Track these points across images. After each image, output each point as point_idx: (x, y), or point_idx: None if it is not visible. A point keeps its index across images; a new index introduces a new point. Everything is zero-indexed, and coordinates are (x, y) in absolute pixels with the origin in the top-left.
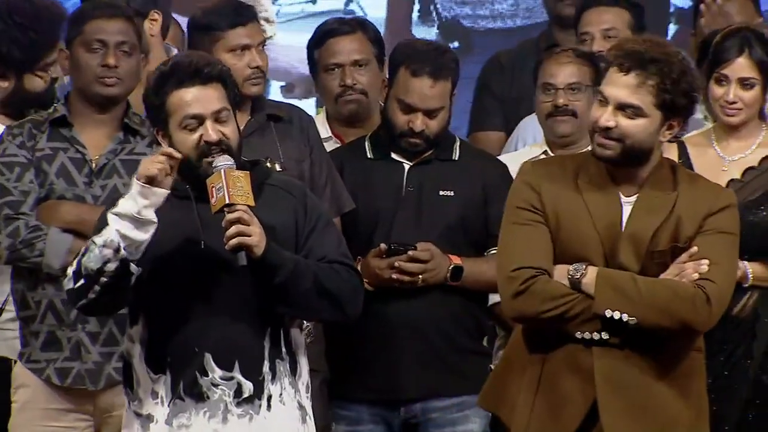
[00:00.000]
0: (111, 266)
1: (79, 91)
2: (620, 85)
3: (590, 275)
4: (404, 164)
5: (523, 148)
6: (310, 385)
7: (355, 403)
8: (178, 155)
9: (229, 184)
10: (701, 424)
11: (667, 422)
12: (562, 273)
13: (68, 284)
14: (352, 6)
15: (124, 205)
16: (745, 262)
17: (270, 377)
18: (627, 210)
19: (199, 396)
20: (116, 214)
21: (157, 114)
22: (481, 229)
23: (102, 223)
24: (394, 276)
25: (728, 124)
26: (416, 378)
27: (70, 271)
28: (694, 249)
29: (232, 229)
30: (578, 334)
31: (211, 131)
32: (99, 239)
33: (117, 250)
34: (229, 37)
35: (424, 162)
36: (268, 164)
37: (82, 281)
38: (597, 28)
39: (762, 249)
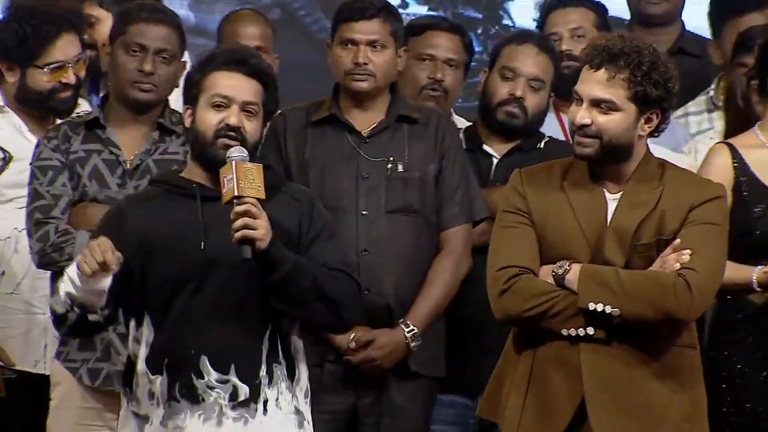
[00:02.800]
0: (72, 315)
1: (115, 92)
2: (592, 82)
3: (574, 271)
4: (493, 157)
5: None
6: (309, 390)
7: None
8: (113, 267)
9: (240, 176)
10: (695, 424)
11: (654, 417)
12: (547, 272)
13: (48, 312)
14: None
15: (71, 269)
16: None
17: (267, 381)
18: (612, 206)
19: (194, 398)
20: (67, 273)
21: (191, 89)
22: None
23: (98, 234)
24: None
25: None
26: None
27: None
28: (677, 241)
29: (239, 222)
30: (564, 331)
31: (234, 116)
32: (62, 287)
33: (72, 305)
34: (341, 29)
35: (509, 153)
36: (390, 164)
37: (52, 317)
38: (565, 28)
39: None
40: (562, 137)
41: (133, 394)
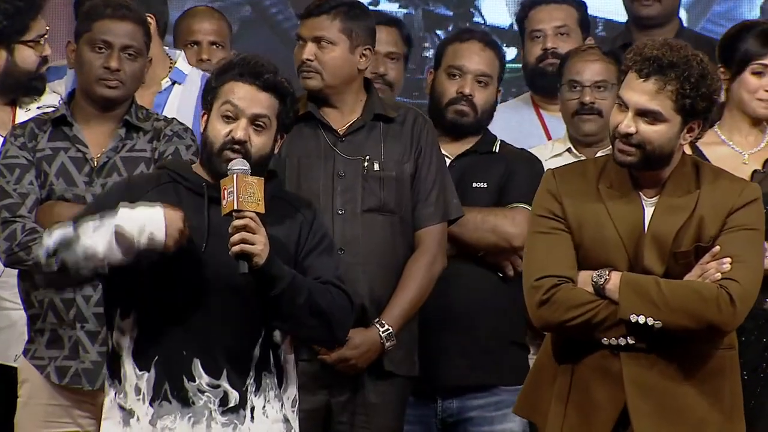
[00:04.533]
0: (85, 271)
1: (81, 89)
2: (640, 92)
3: (614, 281)
4: (446, 159)
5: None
6: (297, 399)
7: None
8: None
9: (240, 190)
10: (735, 422)
11: (697, 423)
12: (585, 279)
13: (39, 252)
14: None
15: (133, 226)
16: None
17: (254, 389)
18: (649, 212)
19: (184, 400)
20: (118, 234)
21: (208, 95)
22: None
23: (95, 206)
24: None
25: (764, 116)
26: (456, 368)
27: (45, 241)
28: (717, 248)
29: (237, 236)
30: (605, 340)
31: (241, 129)
32: (86, 240)
33: (99, 263)
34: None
35: (464, 155)
36: (366, 162)
37: (54, 267)
38: (549, 26)
39: None
40: (543, 135)
41: (121, 386)
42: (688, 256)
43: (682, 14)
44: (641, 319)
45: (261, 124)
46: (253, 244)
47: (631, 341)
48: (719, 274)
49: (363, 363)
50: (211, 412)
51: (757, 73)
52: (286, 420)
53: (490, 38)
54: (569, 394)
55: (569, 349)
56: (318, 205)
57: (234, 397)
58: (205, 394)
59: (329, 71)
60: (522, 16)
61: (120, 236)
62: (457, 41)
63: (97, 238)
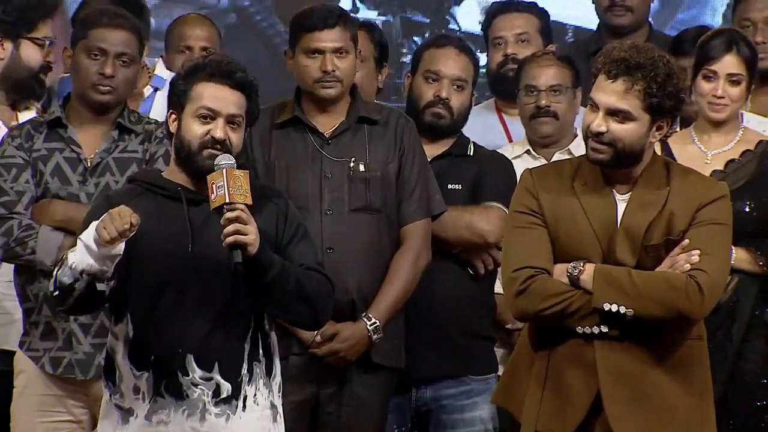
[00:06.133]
0: (80, 284)
1: (77, 94)
2: (609, 92)
3: (588, 272)
4: None
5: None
6: (281, 384)
7: None
8: (134, 220)
9: (230, 183)
10: (704, 411)
11: (667, 409)
12: (561, 271)
13: (50, 287)
14: None
15: (88, 237)
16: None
17: (247, 379)
18: (622, 208)
19: (178, 394)
20: (81, 240)
21: (178, 98)
22: None
23: (87, 224)
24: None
25: (714, 119)
26: (428, 359)
27: (54, 273)
28: (686, 241)
29: (231, 227)
30: (579, 329)
31: (219, 129)
32: (71, 257)
33: (82, 273)
34: (305, 39)
35: (440, 157)
36: (352, 163)
37: (57, 292)
38: (510, 33)
39: (744, 235)
40: (504, 138)
41: (117, 387)
42: (658, 249)
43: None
44: (614, 308)
45: (236, 122)
46: (245, 235)
47: (604, 330)
48: (688, 265)
49: (351, 356)
50: (205, 403)
51: (707, 78)
52: (273, 406)
53: (464, 44)
54: (546, 380)
55: (545, 338)
56: (307, 205)
57: (226, 388)
58: (199, 387)
59: (348, 79)
60: (486, 24)
61: (86, 246)
62: (434, 47)
63: (77, 253)
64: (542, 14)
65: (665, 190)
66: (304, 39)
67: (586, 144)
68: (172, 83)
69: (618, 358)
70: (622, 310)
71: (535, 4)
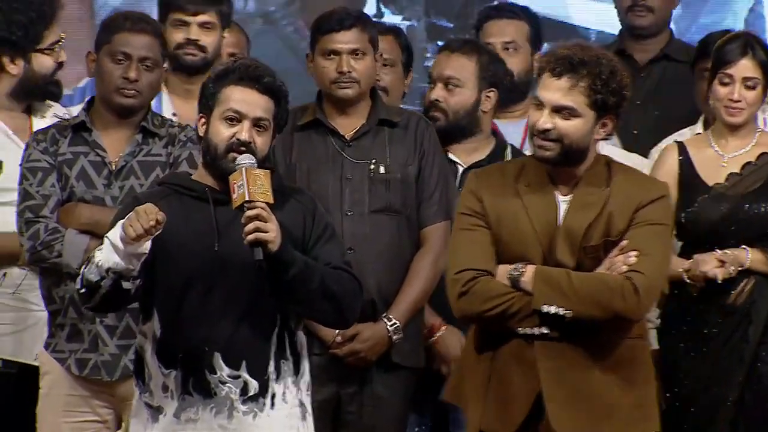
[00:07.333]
0: (107, 282)
1: (101, 97)
2: (554, 89)
3: (528, 273)
4: (459, 165)
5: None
6: (310, 383)
7: None
8: (160, 218)
9: (250, 182)
10: (646, 409)
11: (607, 409)
12: (503, 272)
13: (77, 284)
14: None
15: (113, 233)
16: (746, 248)
17: (275, 377)
18: (563, 208)
19: (206, 392)
20: (108, 239)
21: (207, 100)
22: None
23: (114, 225)
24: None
25: (731, 123)
26: None
27: (81, 271)
28: (624, 242)
29: (251, 225)
30: (520, 330)
31: (245, 131)
32: (98, 255)
33: (109, 271)
34: (322, 41)
35: (477, 165)
36: (372, 165)
37: (84, 290)
38: (498, 40)
39: (760, 237)
40: None
41: (146, 385)
42: (597, 250)
43: (671, 26)
44: (552, 309)
45: (262, 126)
46: (266, 232)
47: (544, 331)
48: (626, 266)
49: (372, 356)
50: (232, 401)
51: (723, 82)
52: (302, 404)
53: (460, 44)
54: (489, 380)
55: (488, 339)
56: (327, 206)
57: (254, 386)
58: (227, 384)
59: (365, 80)
60: (477, 27)
61: (113, 244)
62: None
63: (104, 252)
64: (533, 20)
65: (606, 191)
66: (321, 41)
67: (532, 142)
68: (202, 87)
69: (558, 358)
70: (561, 311)
71: (527, 9)
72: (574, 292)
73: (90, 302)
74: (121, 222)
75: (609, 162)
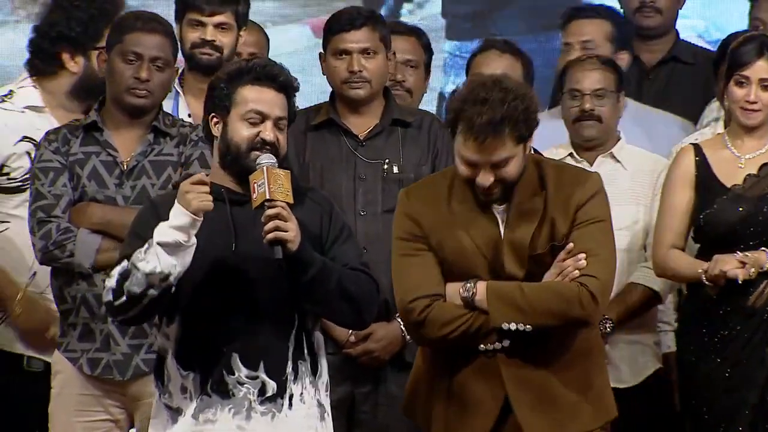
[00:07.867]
0: (154, 291)
1: (112, 97)
2: (485, 152)
3: (481, 291)
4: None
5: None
6: (329, 384)
7: None
8: (207, 180)
9: (270, 181)
10: (605, 399)
11: (571, 408)
12: (453, 292)
13: (106, 297)
14: None
15: (172, 234)
16: (766, 250)
17: (292, 377)
18: (502, 220)
19: (225, 393)
20: (163, 245)
21: (221, 101)
22: None
23: (134, 235)
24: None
25: (747, 124)
26: None
27: (108, 284)
28: (570, 245)
29: (271, 224)
30: (482, 347)
31: (269, 131)
32: (144, 266)
33: (164, 279)
34: (333, 41)
35: None
36: (386, 165)
37: (123, 299)
38: (577, 39)
39: None
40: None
41: (165, 387)
42: (545, 257)
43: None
44: (512, 326)
45: (281, 125)
46: (286, 231)
47: (506, 344)
48: (577, 271)
49: (385, 355)
50: (250, 402)
51: (739, 83)
52: (320, 404)
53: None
54: (449, 394)
55: (444, 356)
56: (341, 206)
57: (272, 386)
58: (245, 385)
59: (377, 80)
60: (562, 28)
61: (165, 246)
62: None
63: (149, 258)
64: (617, 20)
65: (542, 196)
66: (333, 40)
67: (474, 191)
68: (212, 87)
69: (521, 366)
70: (521, 327)
71: (611, 9)
72: (530, 306)
73: (127, 313)
74: (164, 223)
75: (538, 162)
